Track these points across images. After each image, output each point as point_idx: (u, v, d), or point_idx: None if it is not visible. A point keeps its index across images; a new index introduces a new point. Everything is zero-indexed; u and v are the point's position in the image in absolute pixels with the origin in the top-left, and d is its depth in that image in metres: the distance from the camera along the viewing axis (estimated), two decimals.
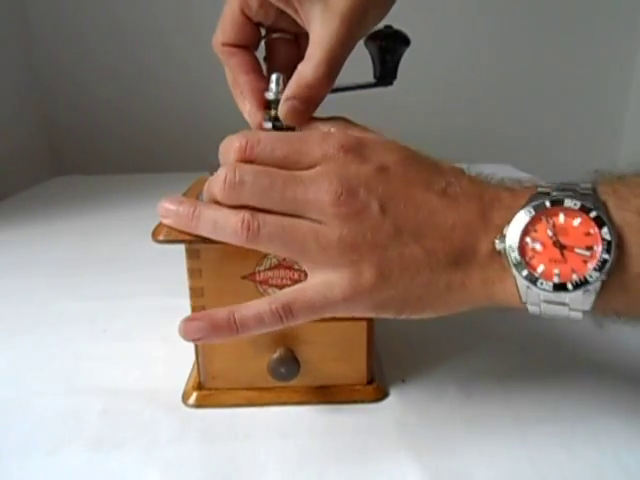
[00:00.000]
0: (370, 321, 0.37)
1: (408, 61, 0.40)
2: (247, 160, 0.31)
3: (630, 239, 0.27)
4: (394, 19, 0.38)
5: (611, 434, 0.34)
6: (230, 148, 0.31)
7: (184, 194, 0.40)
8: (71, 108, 1.18)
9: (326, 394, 0.38)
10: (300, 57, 0.34)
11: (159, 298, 0.54)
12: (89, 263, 0.64)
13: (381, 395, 0.38)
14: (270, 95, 0.36)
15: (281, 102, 0.34)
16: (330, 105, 0.36)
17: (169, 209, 0.32)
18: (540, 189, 0.29)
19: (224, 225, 0.30)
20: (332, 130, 0.33)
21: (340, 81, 0.35)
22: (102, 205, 0.87)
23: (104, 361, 0.43)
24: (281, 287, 0.34)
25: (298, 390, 0.38)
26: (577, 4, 1.21)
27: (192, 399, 0.38)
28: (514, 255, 0.28)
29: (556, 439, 0.34)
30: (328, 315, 0.30)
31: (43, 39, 1.13)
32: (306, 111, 0.34)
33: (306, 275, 0.31)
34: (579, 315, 0.28)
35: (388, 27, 0.38)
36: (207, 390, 0.38)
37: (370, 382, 0.39)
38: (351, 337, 0.37)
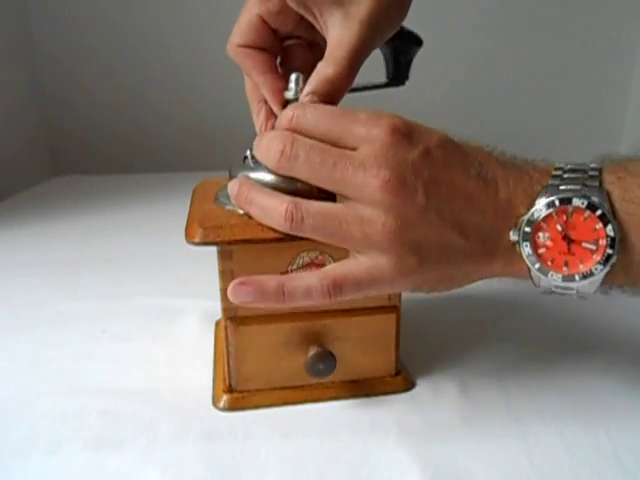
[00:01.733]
0: (398, 313, 0.38)
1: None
2: (293, 130, 0.32)
3: (632, 230, 0.29)
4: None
5: (611, 434, 0.34)
6: (283, 117, 0.33)
7: (192, 196, 0.40)
8: (71, 108, 1.18)
9: (358, 388, 0.39)
10: (314, 64, 0.35)
11: (159, 298, 0.54)
12: (89, 263, 0.64)
13: (409, 385, 0.39)
14: (289, 94, 0.36)
15: (301, 98, 0.34)
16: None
17: (232, 189, 0.34)
18: (550, 181, 0.31)
19: (271, 213, 0.32)
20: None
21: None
22: (102, 205, 0.87)
23: (104, 361, 0.43)
24: None
25: (330, 386, 0.38)
26: (578, 4, 1.21)
27: (223, 402, 0.37)
28: (527, 250, 0.30)
29: (556, 439, 0.34)
30: (372, 293, 0.32)
31: (43, 39, 1.13)
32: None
33: None
34: (586, 295, 0.31)
35: (400, 28, 0.38)
36: (239, 393, 0.38)
37: (397, 373, 0.39)
38: (381, 330, 0.38)
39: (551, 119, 1.27)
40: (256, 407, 0.37)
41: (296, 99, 0.35)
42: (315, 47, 0.38)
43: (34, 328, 0.49)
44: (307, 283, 0.31)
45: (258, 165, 0.34)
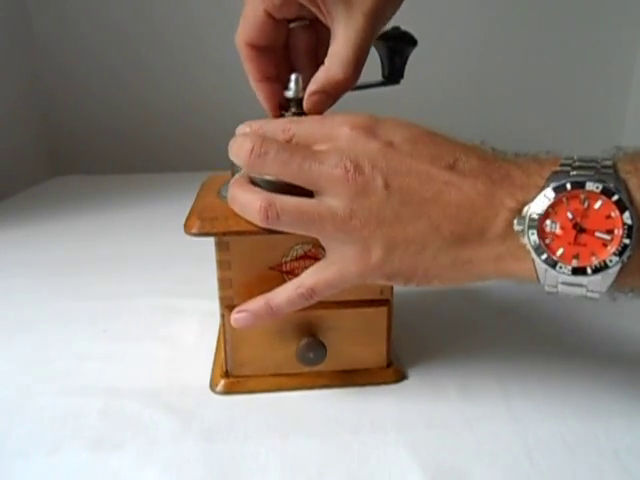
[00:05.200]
0: (390, 306, 0.39)
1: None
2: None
3: None
4: (397, 19, 0.38)
5: (611, 434, 0.34)
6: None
7: (198, 191, 0.41)
8: (71, 108, 1.18)
9: (349, 377, 0.40)
10: (319, 42, 0.37)
11: (159, 298, 0.54)
12: (89, 263, 0.64)
13: (400, 377, 0.40)
14: (289, 94, 0.37)
15: (307, 95, 0.36)
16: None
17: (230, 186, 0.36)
18: (559, 168, 0.28)
19: (249, 209, 0.33)
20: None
21: None
22: (102, 205, 0.87)
23: (104, 361, 0.43)
24: None
25: (322, 375, 0.39)
26: (578, 4, 1.21)
27: (220, 386, 0.39)
28: (533, 238, 0.28)
29: (556, 439, 0.34)
30: (346, 287, 0.34)
31: (44, 39, 1.13)
32: (331, 103, 0.36)
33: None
34: (596, 295, 0.28)
35: (396, 28, 0.40)
36: (235, 378, 0.39)
37: (389, 365, 0.40)
38: (373, 322, 0.39)
39: (551, 119, 1.27)
40: (251, 392, 0.38)
41: (295, 98, 0.37)
42: (318, 23, 0.38)
43: (34, 328, 0.49)
44: (287, 295, 0.34)
45: None
